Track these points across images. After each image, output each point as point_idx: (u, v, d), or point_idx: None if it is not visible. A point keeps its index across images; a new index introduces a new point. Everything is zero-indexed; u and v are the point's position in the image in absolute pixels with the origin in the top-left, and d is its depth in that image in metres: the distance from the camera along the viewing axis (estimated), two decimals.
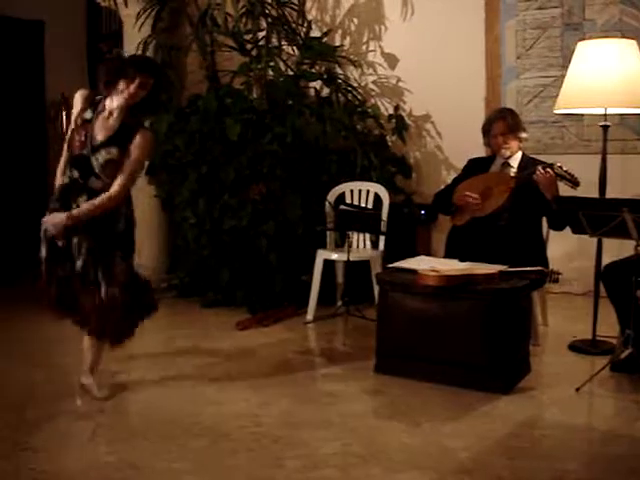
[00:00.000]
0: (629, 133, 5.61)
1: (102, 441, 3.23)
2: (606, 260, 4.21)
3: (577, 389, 3.73)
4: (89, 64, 8.50)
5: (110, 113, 3.51)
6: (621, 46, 4.33)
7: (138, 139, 3.51)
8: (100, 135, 3.49)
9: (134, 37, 6.06)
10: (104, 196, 3.47)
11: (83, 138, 3.47)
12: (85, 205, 3.46)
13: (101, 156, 3.47)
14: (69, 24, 8.10)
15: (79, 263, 3.52)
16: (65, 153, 3.60)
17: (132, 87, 3.43)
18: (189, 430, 3.32)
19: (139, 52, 5.92)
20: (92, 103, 3.54)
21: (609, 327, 4.34)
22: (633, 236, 3.60)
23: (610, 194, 4.42)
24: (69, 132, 3.57)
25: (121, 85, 3.45)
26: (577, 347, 4.45)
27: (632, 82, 4.23)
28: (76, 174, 3.51)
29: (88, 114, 3.51)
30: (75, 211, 3.46)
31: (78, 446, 3.19)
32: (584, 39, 5.02)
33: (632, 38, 4.58)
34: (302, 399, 3.72)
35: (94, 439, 3.26)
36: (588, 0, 5.69)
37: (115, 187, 3.49)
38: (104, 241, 3.55)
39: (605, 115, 4.40)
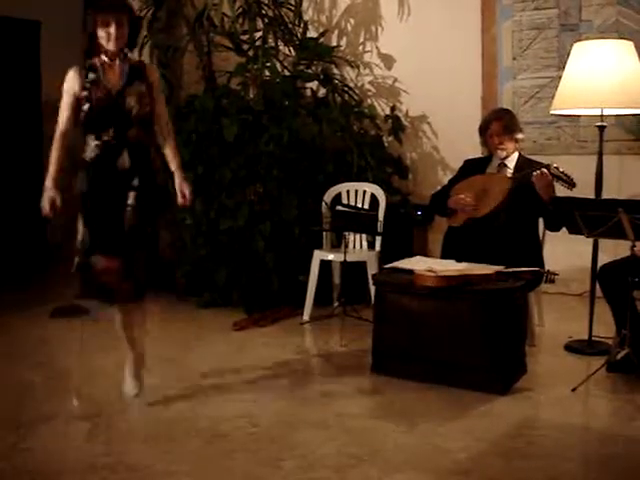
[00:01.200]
0: (625, 134, 5.62)
1: (99, 442, 3.23)
2: (602, 261, 4.22)
3: (573, 389, 3.74)
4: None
5: (110, 63, 3.45)
6: (618, 47, 4.34)
7: (151, 71, 3.58)
8: (117, 81, 3.44)
9: None
10: (173, 138, 3.62)
11: (104, 93, 3.40)
12: (175, 159, 3.61)
13: (134, 93, 3.43)
14: (65, 24, 8.05)
15: (128, 213, 3.45)
16: (62, 133, 3.46)
17: (112, 30, 3.35)
18: (186, 431, 3.31)
19: (135, 53, 5.90)
20: (88, 69, 3.45)
21: (605, 327, 4.35)
22: (629, 237, 3.60)
23: (606, 195, 4.43)
24: (67, 110, 3.45)
25: (101, 34, 3.37)
26: (573, 347, 4.45)
27: (628, 83, 4.24)
28: (108, 135, 3.42)
29: (91, 75, 3.42)
30: (180, 174, 3.60)
31: (75, 447, 3.19)
32: (580, 40, 5.02)
33: (629, 39, 4.60)
34: (299, 399, 3.72)
35: (91, 440, 3.25)
36: (585, 1, 5.70)
37: (169, 126, 3.62)
38: (149, 195, 3.53)
39: (601, 116, 4.41)
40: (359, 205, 5.42)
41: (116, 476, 2.91)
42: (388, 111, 6.33)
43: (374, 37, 6.58)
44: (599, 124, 4.43)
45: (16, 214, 7.38)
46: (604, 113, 4.40)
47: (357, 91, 6.34)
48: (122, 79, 3.44)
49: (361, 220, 4.90)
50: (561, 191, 4.20)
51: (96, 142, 3.43)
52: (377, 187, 5.47)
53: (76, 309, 5.43)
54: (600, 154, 4.46)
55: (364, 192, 5.50)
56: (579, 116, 5.49)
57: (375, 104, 6.49)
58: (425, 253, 5.79)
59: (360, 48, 6.64)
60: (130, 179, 3.44)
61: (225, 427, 3.35)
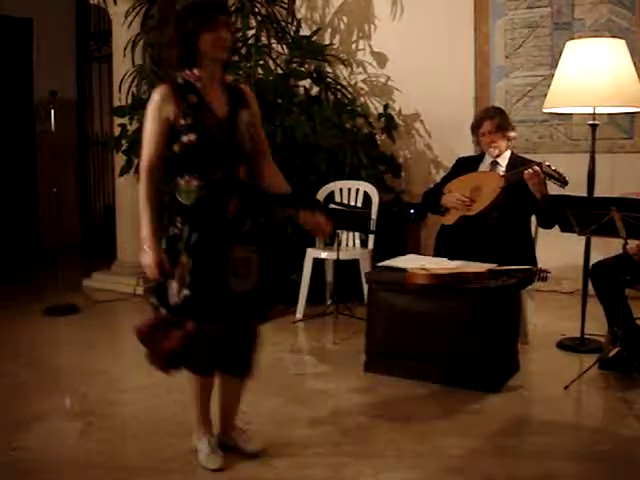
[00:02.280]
0: (617, 132, 5.64)
1: (93, 441, 3.22)
2: (594, 259, 4.23)
3: (566, 387, 3.75)
4: (78, 62, 8.49)
5: (210, 81, 2.82)
6: (610, 45, 4.35)
7: (253, 98, 2.96)
8: (222, 106, 2.82)
9: (123, 35, 6.04)
10: (282, 175, 3.05)
11: (215, 122, 2.77)
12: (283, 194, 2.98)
13: (243, 122, 2.84)
14: (58, 22, 8.07)
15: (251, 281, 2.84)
16: (151, 172, 2.78)
17: (224, 35, 2.74)
18: (178, 430, 3.31)
19: (127, 51, 5.90)
20: (184, 87, 2.79)
21: (597, 325, 4.37)
22: (621, 234, 3.62)
23: (598, 193, 4.44)
24: (156, 140, 2.77)
25: (206, 40, 2.72)
26: (566, 345, 4.47)
27: (620, 81, 4.25)
28: (216, 175, 2.77)
29: (192, 97, 2.76)
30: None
31: (68, 446, 3.18)
32: (573, 38, 5.03)
33: (621, 37, 4.61)
34: (291, 398, 3.73)
35: (85, 439, 3.25)
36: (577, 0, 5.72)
37: (271, 158, 3.05)
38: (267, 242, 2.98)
39: (594, 114, 4.42)
40: (352, 203, 5.42)
41: (109, 475, 2.91)
42: (381, 109, 6.33)
43: (367, 35, 6.58)
44: (591, 122, 4.44)
45: (9, 214, 7.38)
46: (596, 111, 4.41)
47: (350, 89, 6.34)
48: (227, 103, 2.83)
49: (354, 218, 4.90)
50: (554, 189, 4.21)
51: (200, 183, 2.77)
52: (370, 185, 5.47)
53: (69, 308, 5.45)
54: (592, 152, 4.47)
55: (357, 190, 5.51)
56: (571, 114, 5.51)
57: (368, 102, 6.50)
58: (418, 251, 5.79)
59: (353, 46, 6.64)
60: (239, 227, 2.84)
61: (217, 426, 3.34)
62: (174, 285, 2.76)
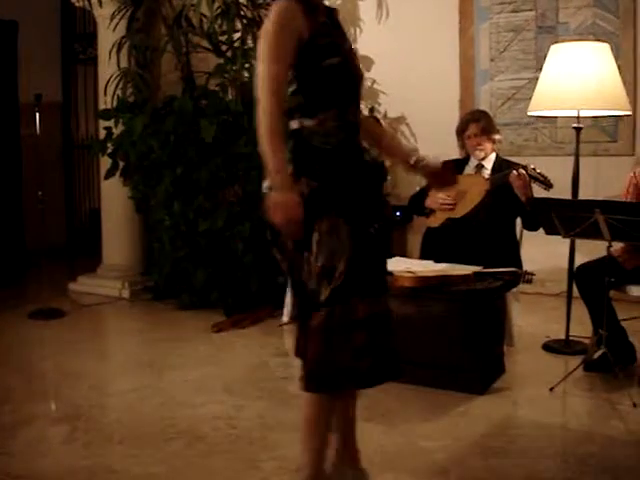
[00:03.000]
0: (601, 135, 5.67)
1: (78, 445, 3.21)
2: (579, 261, 4.25)
3: (551, 389, 3.76)
4: (63, 64, 8.46)
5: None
6: (594, 49, 4.37)
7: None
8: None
9: (108, 38, 6.02)
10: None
11: (349, 46, 2.29)
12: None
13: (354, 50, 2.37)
14: (43, 24, 8.04)
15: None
16: (279, 96, 2.18)
17: None
18: (164, 433, 3.31)
19: (113, 53, 5.88)
20: (306, 4, 2.25)
21: (582, 327, 4.39)
22: (605, 237, 3.64)
23: (583, 195, 4.46)
24: (286, 59, 2.18)
25: None
26: (551, 347, 4.49)
27: (605, 85, 4.27)
28: (353, 113, 2.29)
29: (322, 17, 2.28)
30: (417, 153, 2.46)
31: (54, 450, 3.17)
32: (557, 42, 5.06)
33: (605, 41, 4.64)
34: (278, 401, 3.72)
35: (70, 443, 3.23)
36: (562, 3, 5.75)
37: None
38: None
39: (578, 117, 4.44)
40: None
41: (95, 479, 2.90)
42: (367, 112, 6.33)
43: (353, 39, 6.58)
44: (576, 125, 4.47)
45: None
46: (581, 115, 4.44)
47: None
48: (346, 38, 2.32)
49: None
50: (539, 192, 4.23)
51: (337, 123, 2.24)
52: None
53: (55, 312, 5.42)
54: (577, 155, 4.49)
55: None
56: (556, 117, 5.53)
57: None
58: (404, 254, 5.80)
59: None
60: (380, 178, 2.41)
61: (204, 429, 3.35)
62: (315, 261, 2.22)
